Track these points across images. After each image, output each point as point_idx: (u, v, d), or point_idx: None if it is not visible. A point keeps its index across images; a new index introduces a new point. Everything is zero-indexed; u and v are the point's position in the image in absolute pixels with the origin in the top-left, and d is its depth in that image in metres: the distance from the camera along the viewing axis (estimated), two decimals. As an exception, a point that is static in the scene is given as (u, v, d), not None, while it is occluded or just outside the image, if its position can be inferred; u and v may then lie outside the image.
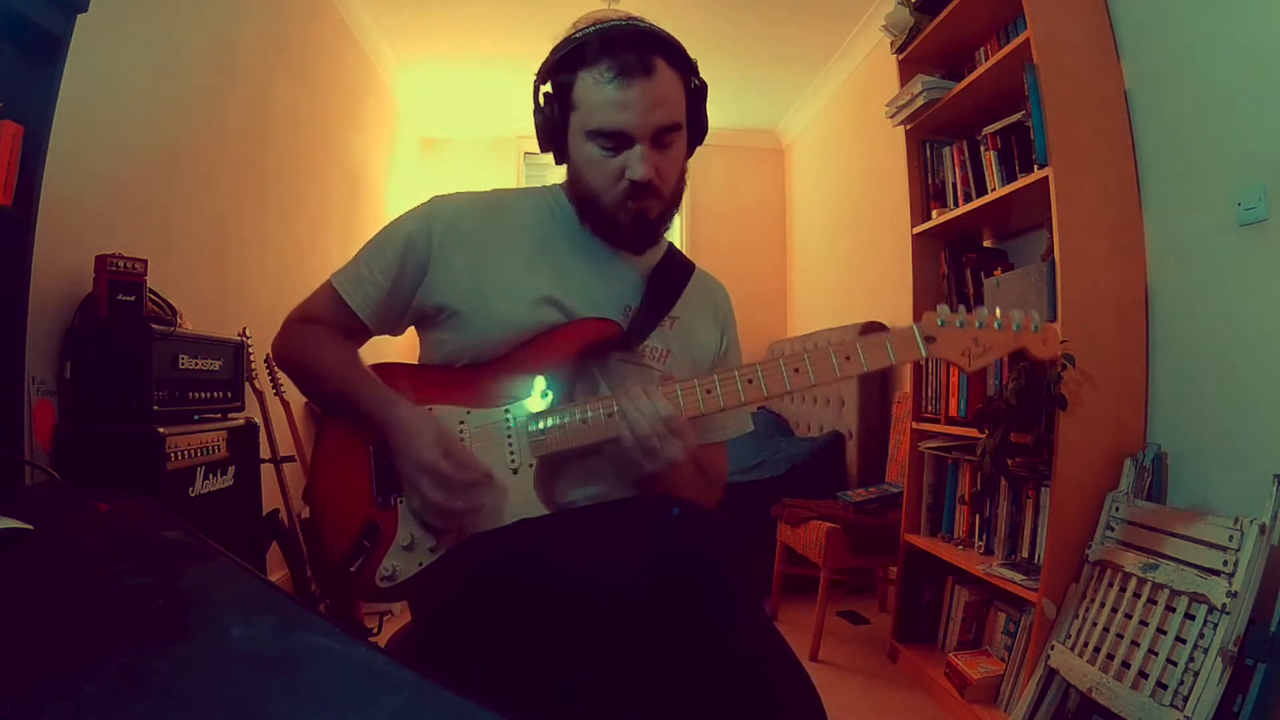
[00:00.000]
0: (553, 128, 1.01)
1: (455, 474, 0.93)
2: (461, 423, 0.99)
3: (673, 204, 1.03)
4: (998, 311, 1.03)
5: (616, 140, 0.95)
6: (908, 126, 2.48)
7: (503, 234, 1.05)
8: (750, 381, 0.97)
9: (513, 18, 3.49)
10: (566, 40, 0.98)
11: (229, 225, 2.54)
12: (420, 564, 0.96)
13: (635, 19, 0.98)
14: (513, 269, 1.02)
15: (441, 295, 1.02)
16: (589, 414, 0.97)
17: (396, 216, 1.08)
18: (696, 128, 1.04)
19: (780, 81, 4.33)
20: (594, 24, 0.97)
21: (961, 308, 1.03)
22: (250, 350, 2.10)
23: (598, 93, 0.94)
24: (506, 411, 0.99)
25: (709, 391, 0.97)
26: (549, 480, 1.00)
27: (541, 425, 0.98)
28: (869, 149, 3.68)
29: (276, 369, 1.87)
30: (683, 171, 1.04)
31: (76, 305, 1.70)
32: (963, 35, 2.26)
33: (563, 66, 0.98)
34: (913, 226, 2.48)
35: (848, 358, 0.98)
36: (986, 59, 2.10)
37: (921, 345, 1.00)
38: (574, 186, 1.04)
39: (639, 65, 0.93)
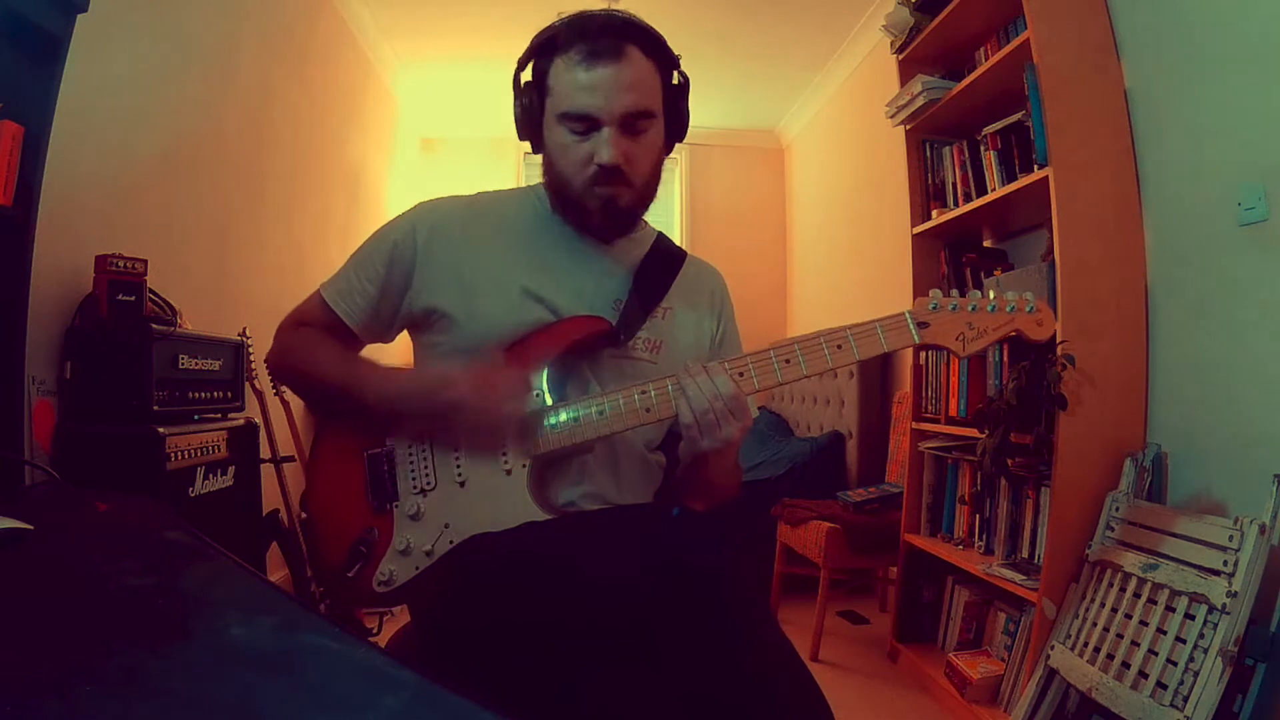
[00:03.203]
0: (530, 115, 1.01)
1: (488, 376, 0.94)
2: None
3: (645, 194, 1.03)
4: (991, 294, 1.01)
5: (585, 124, 0.96)
6: (908, 126, 2.48)
7: (488, 234, 1.05)
8: (741, 375, 0.96)
9: (513, 18, 3.49)
10: (545, 28, 0.99)
11: (229, 225, 2.54)
12: (417, 568, 0.96)
13: (617, 10, 0.99)
14: (499, 268, 1.02)
15: (430, 299, 1.02)
16: (579, 412, 0.97)
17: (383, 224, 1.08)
18: (676, 122, 1.04)
19: (780, 81, 4.33)
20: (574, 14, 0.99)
21: (954, 291, 1.00)
22: (250, 350, 2.10)
23: (568, 76, 0.95)
24: None
25: None
26: (543, 481, 1.00)
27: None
28: (869, 149, 3.68)
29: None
30: (658, 164, 1.03)
31: (76, 305, 1.70)
32: (963, 35, 2.26)
33: (539, 53, 0.99)
34: (913, 226, 2.47)
35: (839, 346, 0.96)
36: (986, 59, 2.10)
37: (914, 331, 0.98)
38: (548, 174, 1.04)
39: (609, 49, 0.94)
